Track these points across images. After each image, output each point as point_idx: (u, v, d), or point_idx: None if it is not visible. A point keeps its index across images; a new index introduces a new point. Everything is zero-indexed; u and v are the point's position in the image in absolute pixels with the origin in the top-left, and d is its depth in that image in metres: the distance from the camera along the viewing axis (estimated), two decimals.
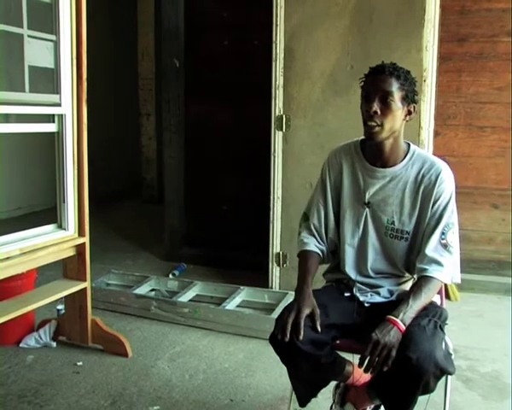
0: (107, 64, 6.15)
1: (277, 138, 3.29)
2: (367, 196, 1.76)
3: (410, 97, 1.67)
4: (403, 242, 1.74)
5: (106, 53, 6.09)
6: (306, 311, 1.62)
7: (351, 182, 1.80)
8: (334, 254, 1.90)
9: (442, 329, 1.59)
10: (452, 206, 1.70)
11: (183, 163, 4.20)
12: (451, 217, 1.69)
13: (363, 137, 1.74)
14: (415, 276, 1.75)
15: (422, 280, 1.64)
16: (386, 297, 1.78)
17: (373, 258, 1.79)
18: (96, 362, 2.56)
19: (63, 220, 2.49)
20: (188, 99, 4.12)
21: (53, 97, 2.39)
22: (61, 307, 2.81)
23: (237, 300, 3.20)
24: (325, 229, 1.86)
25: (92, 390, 2.32)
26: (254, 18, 3.85)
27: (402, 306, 1.57)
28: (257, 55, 3.85)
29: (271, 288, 3.42)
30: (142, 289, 3.33)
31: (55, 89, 2.39)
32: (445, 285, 1.77)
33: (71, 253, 2.53)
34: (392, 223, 1.74)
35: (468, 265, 3.50)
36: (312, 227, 1.86)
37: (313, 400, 1.83)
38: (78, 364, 2.54)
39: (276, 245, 3.40)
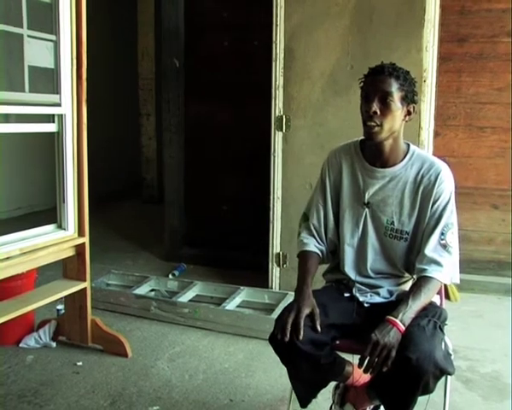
0: (107, 64, 6.15)
1: (277, 138, 3.29)
2: (366, 197, 1.76)
3: (410, 98, 1.67)
4: (402, 242, 1.74)
5: (106, 53, 6.09)
6: (306, 311, 1.62)
7: (350, 182, 1.80)
8: (334, 254, 1.90)
9: (442, 329, 1.59)
10: (452, 206, 1.70)
11: (183, 163, 4.20)
12: (451, 217, 1.69)
13: (362, 137, 1.74)
14: (414, 276, 1.75)
15: (422, 280, 1.64)
16: (385, 297, 1.78)
17: (372, 258, 1.79)
18: (96, 362, 2.56)
19: (63, 220, 2.49)
20: (188, 99, 4.12)
21: (53, 97, 2.39)
22: (60, 307, 2.81)
23: (237, 300, 3.20)
24: (325, 229, 1.86)
25: (92, 390, 2.32)
26: (254, 18, 3.85)
27: (401, 306, 1.57)
28: (257, 55, 3.85)
29: (271, 288, 3.42)
30: (142, 290, 3.33)
31: (55, 89, 2.39)
32: (445, 286, 1.77)
33: (71, 253, 2.53)
34: (392, 223, 1.74)
35: (468, 265, 3.50)
36: (312, 227, 1.86)
37: (313, 400, 1.82)
38: (78, 364, 2.54)
39: (275, 245, 3.40)
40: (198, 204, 4.22)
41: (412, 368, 1.44)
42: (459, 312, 3.21)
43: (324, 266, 1.94)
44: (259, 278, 3.48)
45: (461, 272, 1.74)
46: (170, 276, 3.79)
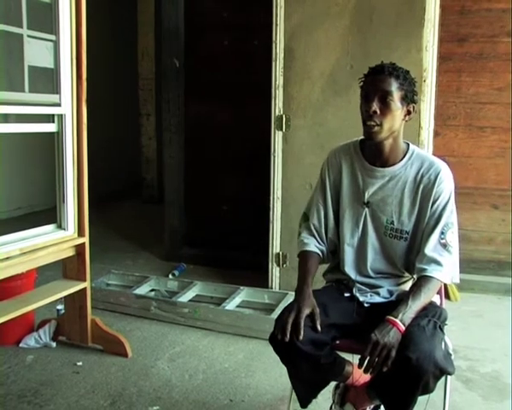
0: (107, 64, 6.15)
1: (277, 138, 3.29)
2: (366, 196, 1.76)
3: (410, 97, 1.67)
4: (402, 241, 1.74)
5: (106, 53, 6.09)
6: (306, 311, 1.62)
7: (350, 182, 1.80)
8: (334, 254, 1.90)
9: (442, 329, 1.59)
10: (451, 205, 1.70)
11: (183, 163, 4.20)
12: (451, 217, 1.69)
13: (362, 136, 1.74)
14: (414, 276, 1.75)
15: (422, 280, 1.64)
16: (385, 297, 1.78)
17: (372, 258, 1.79)
18: (96, 362, 2.56)
19: (63, 220, 2.49)
20: (188, 99, 4.12)
21: (53, 97, 2.39)
22: (60, 307, 2.81)
23: (237, 300, 3.20)
24: (325, 229, 1.86)
25: (92, 390, 2.32)
26: (254, 18, 3.85)
27: (401, 306, 1.57)
28: (257, 55, 3.85)
29: (271, 288, 3.42)
30: (142, 290, 3.33)
31: (55, 89, 2.39)
32: (445, 285, 1.77)
33: (70, 253, 2.53)
34: (392, 223, 1.74)
35: (468, 265, 3.50)
36: (312, 227, 1.86)
37: (313, 400, 1.82)
38: (78, 364, 2.54)
39: (275, 245, 3.39)
40: (198, 204, 4.22)
41: (412, 368, 1.44)
42: (459, 312, 3.21)
43: (324, 266, 1.94)
44: (259, 278, 3.48)
45: (461, 272, 1.74)
46: (170, 276, 3.79)
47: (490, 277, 3.64)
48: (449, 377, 1.73)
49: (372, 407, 1.91)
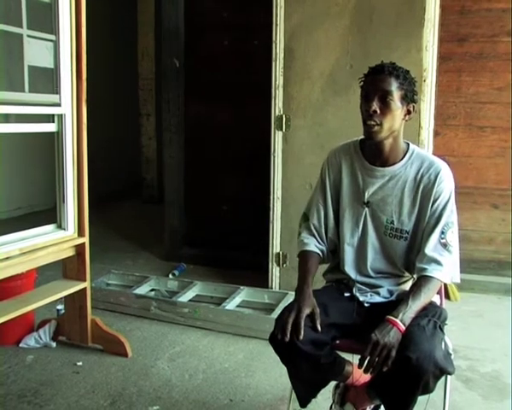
0: (107, 64, 6.15)
1: (277, 138, 3.29)
2: (366, 196, 1.76)
3: (410, 97, 1.67)
4: (402, 241, 1.74)
5: (106, 53, 6.09)
6: (306, 311, 1.62)
7: (350, 181, 1.80)
8: (334, 253, 1.90)
9: (442, 329, 1.59)
10: (452, 205, 1.70)
11: (183, 163, 4.20)
12: (451, 216, 1.69)
13: (362, 136, 1.74)
14: (414, 275, 1.75)
15: (422, 280, 1.64)
16: (385, 297, 1.77)
17: (372, 257, 1.79)
18: (96, 362, 2.56)
19: (63, 220, 2.49)
20: (188, 99, 4.12)
21: (52, 97, 2.39)
22: (60, 307, 2.81)
23: (237, 300, 3.20)
24: (325, 229, 1.86)
25: (92, 390, 2.32)
26: (254, 18, 3.85)
27: (401, 306, 1.57)
28: (257, 55, 3.85)
29: (271, 288, 3.42)
30: (142, 290, 3.33)
31: (55, 89, 2.39)
32: (445, 285, 1.77)
33: (70, 253, 2.53)
34: (392, 222, 1.74)
35: (468, 265, 3.50)
36: (312, 227, 1.86)
37: (313, 400, 1.82)
38: (78, 364, 2.54)
39: (275, 245, 3.39)
40: (198, 204, 4.22)
41: (412, 368, 1.44)
42: (459, 311, 3.21)
43: (324, 266, 1.94)
44: (259, 278, 3.48)
45: (461, 272, 1.74)
46: (170, 276, 3.79)
47: (490, 277, 3.64)
48: (449, 376, 1.73)
49: (372, 406, 1.91)
